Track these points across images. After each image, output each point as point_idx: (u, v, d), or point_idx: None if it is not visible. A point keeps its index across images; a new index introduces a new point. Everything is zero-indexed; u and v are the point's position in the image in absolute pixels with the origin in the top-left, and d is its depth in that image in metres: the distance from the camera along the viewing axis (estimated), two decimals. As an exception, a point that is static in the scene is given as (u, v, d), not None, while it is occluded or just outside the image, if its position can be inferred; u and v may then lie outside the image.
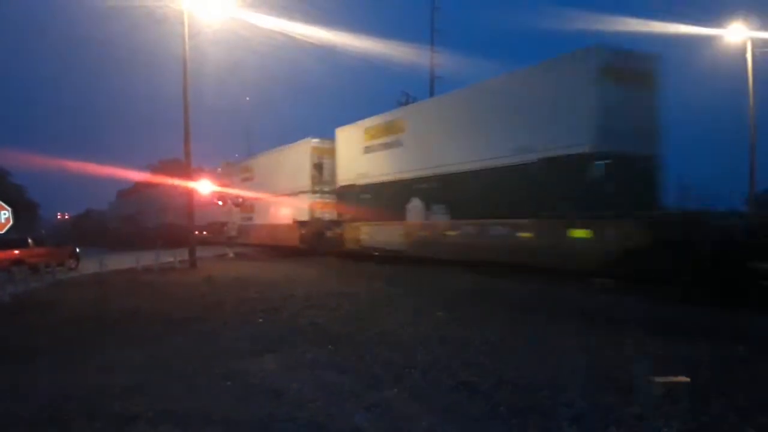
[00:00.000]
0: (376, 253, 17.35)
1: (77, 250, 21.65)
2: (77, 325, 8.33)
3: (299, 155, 21.42)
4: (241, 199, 25.70)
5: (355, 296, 10.01)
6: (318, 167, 20.47)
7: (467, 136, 13.91)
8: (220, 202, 26.71)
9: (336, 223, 19.65)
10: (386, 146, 17.13)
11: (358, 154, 18.42)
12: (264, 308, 9.13)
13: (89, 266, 18.77)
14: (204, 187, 28.03)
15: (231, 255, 23.71)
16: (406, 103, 26.56)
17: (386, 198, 16.82)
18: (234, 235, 26.18)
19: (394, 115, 17.59)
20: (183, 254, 18.91)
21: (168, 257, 18.74)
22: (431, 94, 27.30)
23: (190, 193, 19.88)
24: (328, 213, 20.19)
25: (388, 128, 17.17)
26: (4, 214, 12.85)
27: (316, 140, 20.78)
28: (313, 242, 20.28)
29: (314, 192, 20.28)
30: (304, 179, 20.65)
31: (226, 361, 5.79)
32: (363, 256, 17.90)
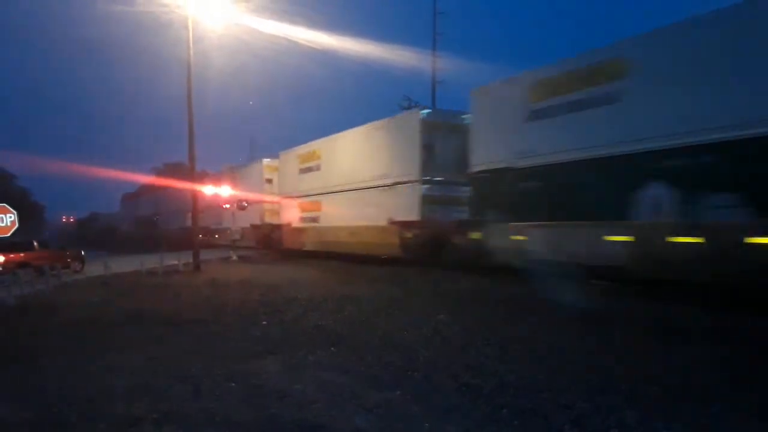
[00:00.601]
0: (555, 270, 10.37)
1: (82, 252, 21.77)
2: (81, 327, 8.37)
3: (400, 133, 16.56)
4: (246, 203, 25.73)
5: (357, 298, 10.03)
6: (428, 148, 15.66)
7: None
8: (227, 205, 26.70)
9: (468, 224, 13.90)
10: (576, 106, 10.84)
11: (517, 123, 12.30)
12: (267, 311, 9.17)
13: (94, 269, 18.86)
14: (222, 190, 28.32)
15: (234, 258, 23.78)
16: (409, 107, 26.59)
17: (583, 185, 10.84)
18: (237, 238, 26.28)
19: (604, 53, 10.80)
20: (187, 257, 18.97)
21: (172, 260, 18.80)
22: (434, 98, 27.39)
23: (195, 196, 19.98)
24: (442, 209, 15.42)
25: (585, 77, 10.77)
26: (10, 217, 12.91)
27: (426, 112, 16.32)
28: (427, 250, 15.36)
29: (425, 182, 15.36)
30: (410, 164, 15.73)
31: (230, 363, 5.83)
32: (364, 258, 17.88)
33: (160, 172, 69.05)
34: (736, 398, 4.43)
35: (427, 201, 15.25)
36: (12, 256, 17.52)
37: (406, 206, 15.85)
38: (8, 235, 13.15)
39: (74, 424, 4.29)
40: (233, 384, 5.11)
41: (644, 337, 6.67)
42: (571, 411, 4.17)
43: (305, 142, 22.54)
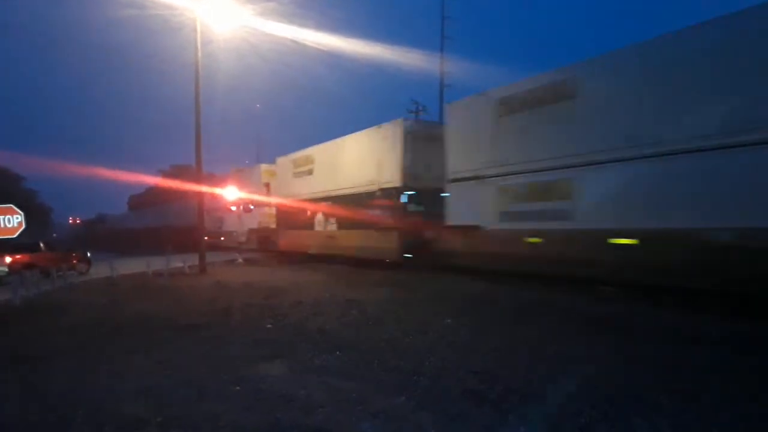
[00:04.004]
0: None
1: (88, 254, 21.87)
2: (87, 329, 8.40)
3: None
4: (252, 206, 25.86)
5: (362, 303, 10.00)
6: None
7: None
8: (234, 208, 26.90)
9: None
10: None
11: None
12: (272, 314, 9.17)
13: (100, 270, 18.95)
14: (228, 192, 28.49)
15: (240, 260, 23.83)
16: (417, 111, 26.62)
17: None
18: (243, 240, 26.42)
19: None
20: (193, 259, 19.03)
21: (178, 262, 18.86)
22: (441, 102, 27.38)
23: (200, 199, 20.04)
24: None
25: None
26: (17, 218, 12.96)
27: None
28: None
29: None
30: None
31: (235, 367, 5.82)
32: (368, 262, 17.87)
33: (166, 174, 69.36)
34: (747, 406, 4.37)
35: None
36: (18, 257, 17.63)
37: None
38: (15, 236, 13.22)
39: (79, 426, 4.29)
40: (238, 388, 5.09)
41: (652, 342, 6.61)
42: (579, 418, 4.13)
43: (311, 144, 22.80)
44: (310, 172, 21.91)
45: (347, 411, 4.44)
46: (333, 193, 19.86)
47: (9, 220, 12.70)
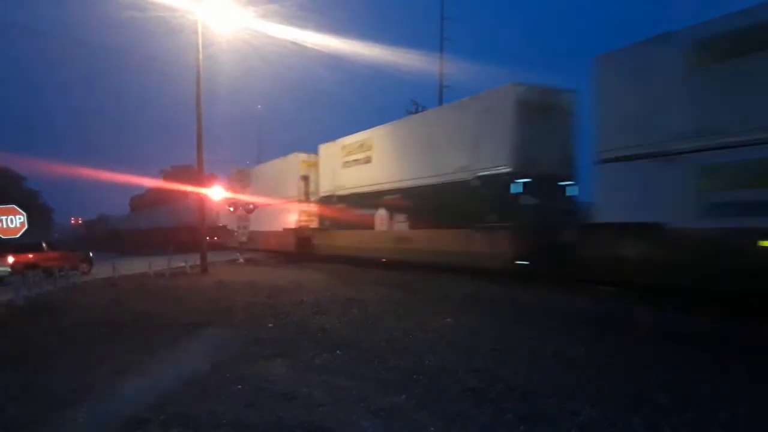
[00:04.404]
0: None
1: (90, 254, 21.94)
2: (89, 329, 8.44)
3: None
4: (252, 206, 25.77)
5: (363, 302, 10.04)
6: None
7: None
8: (231, 208, 26.61)
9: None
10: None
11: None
12: (274, 313, 9.21)
13: (102, 271, 19.00)
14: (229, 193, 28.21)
15: (241, 260, 23.87)
16: (416, 112, 26.64)
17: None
18: (244, 240, 26.17)
19: None
20: (195, 259, 19.07)
21: (179, 262, 18.91)
22: (440, 102, 27.41)
23: (201, 199, 20.10)
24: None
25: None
26: (19, 218, 13.03)
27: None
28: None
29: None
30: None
31: (237, 365, 5.86)
32: (369, 262, 17.91)
33: (168, 175, 69.46)
34: (744, 405, 4.40)
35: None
36: (21, 257, 17.69)
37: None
38: (18, 236, 13.28)
39: (81, 425, 4.33)
40: (240, 386, 5.13)
41: (651, 342, 6.64)
42: (578, 416, 4.17)
43: (312, 144, 22.68)
44: (367, 160, 18.39)
45: (348, 409, 4.48)
46: (403, 184, 16.28)
47: (11, 221, 12.77)
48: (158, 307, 10.44)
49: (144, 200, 74.30)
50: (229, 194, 28.24)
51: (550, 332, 7.32)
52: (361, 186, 18.60)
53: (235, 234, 26.18)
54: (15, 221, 13.03)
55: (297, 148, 23.95)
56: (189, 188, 37.60)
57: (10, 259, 17.37)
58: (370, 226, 17.82)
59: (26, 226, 13.17)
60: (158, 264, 18.14)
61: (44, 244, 19.51)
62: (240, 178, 28.81)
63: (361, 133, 19.12)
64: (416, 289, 11.97)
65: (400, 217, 16.62)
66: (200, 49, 17.66)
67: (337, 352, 6.43)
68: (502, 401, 4.57)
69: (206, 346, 6.93)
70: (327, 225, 21.09)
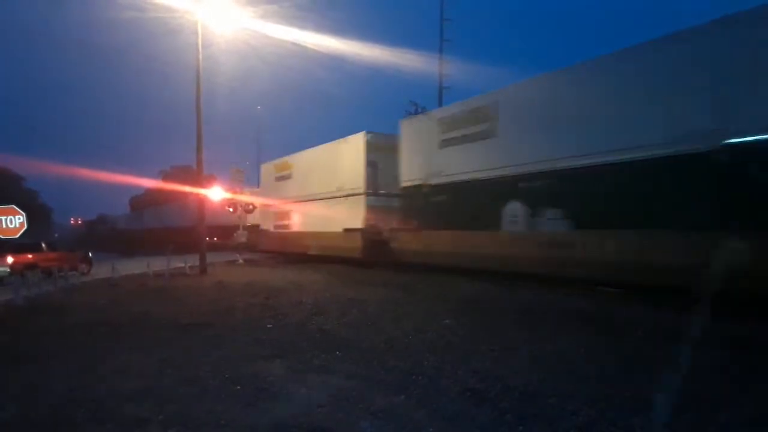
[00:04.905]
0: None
1: (90, 255, 21.94)
2: (89, 329, 8.43)
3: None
4: (252, 206, 25.73)
5: (362, 303, 10.05)
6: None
7: None
8: (231, 209, 26.54)
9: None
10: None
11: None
12: (273, 314, 9.21)
13: (102, 271, 19.00)
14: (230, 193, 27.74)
15: (240, 261, 23.86)
16: (415, 113, 26.63)
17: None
18: (244, 241, 26.12)
19: None
20: (194, 260, 19.07)
21: (179, 263, 18.90)
22: (440, 104, 27.43)
23: (201, 199, 20.11)
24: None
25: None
26: (19, 218, 13.04)
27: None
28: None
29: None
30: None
31: (236, 366, 5.86)
32: (369, 263, 17.87)
33: (167, 175, 69.51)
34: (744, 406, 4.41)
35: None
36: (20, 257, 17.69)
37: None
38: (17, 236, 13.29)
39: (81, 425, 4.33)
40: (239, 387, 5.13)
41: (649, 343, 6.65)
42: (577, 417, 4.17)
43: (312, 145, 22.17)
44: (487, 135, 13.27)
45: (347, 410, 4.48)
46: (562, 164, 11.38)
47: (11, 221, 12.78)
48: (157, 307, 10.44)
49: (143, 200, 74.32)
50: (228, 194, 27.87)
51: (549, 332, 7.32)
52: (476, 171, 13.62)
53: (235, 235, 26.10)
54: (14, 221, 13.04)
55: (297, 148, 23.37)
56: (188, 188, 37.30)
57: (10, 260, 17.37)
58: (493, 225, 12.79)
59: (26, 227, 13.18)
60: (157, 264, 18.13)
61: (43, 245, 19.51)
62: (239, 178, 28.74)
63: (472, 99, 14.08)
64: (416, 290, 11.98)
65: (551, 213, 11.56)
66: (200, 50, 17.67)
67: (337, 352, 6.43)
68: (501, 401, 4.57)
69: (205, 347, 6.92)
70: (414, 224, 15.88)
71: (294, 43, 23.68)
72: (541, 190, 11.88)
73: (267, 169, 26.27)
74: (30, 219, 13.55)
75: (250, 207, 25.55)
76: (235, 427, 4.15)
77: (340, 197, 19.10)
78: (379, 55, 28.19)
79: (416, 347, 6.60)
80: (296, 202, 22.60)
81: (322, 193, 20.36)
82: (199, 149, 18.45)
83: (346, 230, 18.41)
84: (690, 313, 8.35)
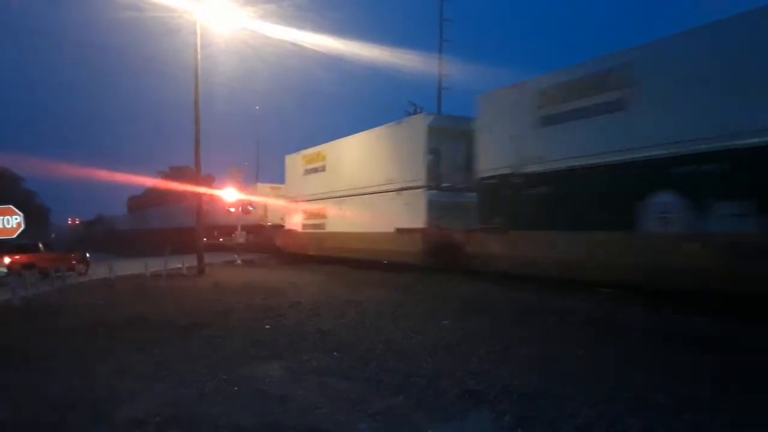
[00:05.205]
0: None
1: (87, 255, 21.87)
2: (86, 330, 8.40)
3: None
4: (252, 206, 25.64)
5: (361, 304, 10.03)
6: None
7: None
8: (232, 209, 26.40)
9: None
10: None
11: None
12: (271, 315, 9.18)
13: (99, 271, 18.94)
14: (229, 193, 26.15)
15: (239, 262, 23.81)
16: (415, 113, 26.60)
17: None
18: (242, 242, 25.94)
19: None
20: (191, 260, 19.03)
21: (177, 263, 18.87)
22: (439, 105, 27.46)
23: (199, 200, 20.07)
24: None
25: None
26: (16, 219, 12.98)
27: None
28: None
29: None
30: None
31: (234, 367, 5.84)
32: (368, 264, 17.82)
33: (165, 175, 69.43)
34: (743, 408, 4.40)
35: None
36: (17, 257, 17.63)
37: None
38: (14, 236, 13.24)
39: (78, 426, 4.30)
40: (237, 388, 5.11)
41: (649, 344, 6.64)
42: (576, 418, 4.16)
43: (311, 146, 21.61)
44: (614, 107, 10.02)
45: (345, 411, 4.46)
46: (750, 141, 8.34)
47: (8, 221, 12.71)
48: (155, 308, 10.41)
49: (141, 201, 74.23)
50: (242, 195, 26.94)
51: (547, 334, 7.32)
52: (597, 154, 10.59)
53: (233, 236, 25.94)
54: (11, 221, 12.98)
55: (297, 148, 22.97)
56: (188, 188, 36.89)
57: (7, 260, 17.30)
58: (624, 225, 9.70)
59: (23, 227, 13.12)
60: (155, 265, 18.09)
61: (41, 245, 19.44)
62: (238, 178, 28.63)
63: (589, 62, 10.97)
64: (415, 291, 11.97)
65: (730, 207, 8.39)
66: (198, 50, 17.64)
67: (335, 353, 6.42)
68: (500, 403, 4.56)
69: (203, 348, 6.89)
70: (499, 224, 12.51)
71: (293, 43, 23.67)
72: (711, 176, 8.71)
73: (293, 161, 23.04)
74: (27, 219, 13.48)
75: (250, 208, 25.47)
76: (233, 429, 4.13)
77: (391, 192, 16.10)
78: (379, 55, 28.20)
79: (415, 348, 6.59)
80: (331, 198, 19.67)
81: (367, 187, 17.39)
82: (197, 149, 18.42)
83: (400, 231, 15.60)
84: (687, 314, 8.37)
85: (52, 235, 64.88)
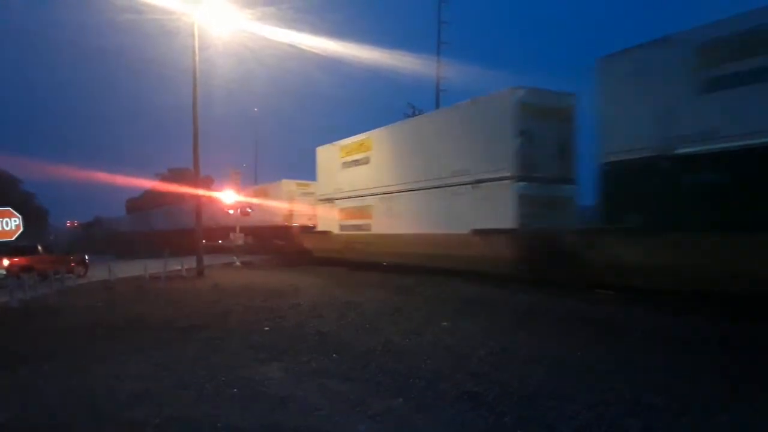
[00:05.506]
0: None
1: (86, 257, 21.85)
2: (85, 332, 8.40)
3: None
4: (250, 208, 25.60)
5: (360, 305, 10.03)
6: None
7: None
8: (231, 211, 26.29)
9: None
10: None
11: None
12: (270, 316, 9.18)
13: (98, 273, 18.92)
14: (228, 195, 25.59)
15: (238, 263, 23.78)
16: (413, 115, 26.59)
17: None
18: (240, 243, 25.82)
19: None
20: (190, 262, 19.02)
21: (176, 265, 18.85)
22: (437, 106, 27.45)
23: (198, 202, 20.08)
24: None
25: None
26: (15, 221, 12.96)
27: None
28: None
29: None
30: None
31: (233, 369, 5.83)
32: (367, 266, 17.81)
33: (164, 178, 69.36)
34: (743, 409, 4.40)
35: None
36: (16, 260, 17.60)
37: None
38: (13, 239, 13.22)
39: (77, 429, 4.30)
40: (236, 390, 5.11)
41: (649, 345, 6.64)
42: (575, 420, 4.16)
43: (311, 146, 20.92)
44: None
45: (345, 413, 4.46)
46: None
47: (7, 223, 12.69)
48: (154, 310, 10.40)
49: (140, 203, 74.11)
50: (241, 197, 26.70)
51: (546, 335, 7.31)
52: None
53: (231, 237, 25.84)
54: (10, 224, 12.96)
55: (296, 148, 23.00)
56: (188, 190, 36.69)
57: (5, 262, 17.28)
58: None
59: (22, 229, 13.11)
60: (154, 267, 18.07)
61: (40, 247, 19.42)
62: (237, 180, 28.48)
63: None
64: (414, 293, 11.96)
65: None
66: (197, 52, 17.66)
67: (334, 355, 6.41)
68: (499, 405, 4.55)
69: (202, 350, 6.89)
70: (635, 220, 9.32)
71: (291, 46, 23.71)
72: None
73: (327, 153, 20.26)
74: (26, 221, 13.46)
75: (248, 210, 25.43)
76: (232, 431, 4.12)
77: (463, 185, 13.34)
78: (377, 57, 28.24)
79: (414, 350, 6.58)
80: (379, 194, 16.78)
81: (428, 180, 14.60)
82: (195, 151, 18.43)
83: (478, 232, 12.72)
84: (687, 315, 8.38)
85: (51, 237, 64.81)
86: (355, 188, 18.22)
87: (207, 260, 19.64)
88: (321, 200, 20.52)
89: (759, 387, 5.02)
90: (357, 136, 18.61)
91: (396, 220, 15.85)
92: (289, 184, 26.25)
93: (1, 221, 12.71)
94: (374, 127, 17.67)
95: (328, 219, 19.87)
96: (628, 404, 4.48)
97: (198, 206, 19.86)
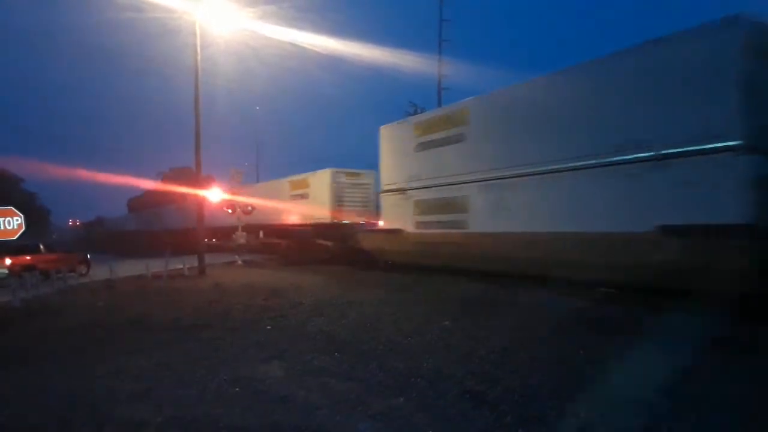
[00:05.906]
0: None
1: (88, 256, 21.90)
2: (86, 331, 8.41)
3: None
4: (250, 207, 25.60)
5: (361, 304, 10.02)
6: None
7: None
8: (230, 210, 26.28)
9: None
10: None
11: None
12: (271, 315, 9.18)
13: (100, 272, 18.95)
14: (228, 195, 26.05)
15: (239, 262, 23.79)
16: (415, 113, 26.54)
17: None
18: (243, 243, 25.79)
19: None
20: (192, 261, 19.03)
21: (177, 264, 18.87)
22: (439, 104, 27.41)
23: (200, 201, 20.08)
24: None
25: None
26: (17, 220, 12.98)
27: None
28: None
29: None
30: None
31: (235, 368, 5.84)
32: (367, 265, 17.79)
33: (166, 177, 69.45)
34: (744, 408, 4.39)
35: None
36: (18, 259, 17.64)
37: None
38: (15, 238, 13.24)
39: (78, 428, 4.30)
40: (238, 389, 5.11)
41: (649, 344, 6.63)
42: (576, 419, 4.15)
43: (311, 145, 20.68)
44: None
45: (346, 412, 4.46)
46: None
47: (9, 222, 12.71)
48: (156, 309, 10.41)
49: (142, 202, 74.20)
50: (226, 195, 27.12)
51: (548, 334, 7.30)
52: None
53: (233, 236, 25.86)
54: (12, 223, 12.98)
55: (296, 148, 22.74)
56: (187, 189, 36.69)
57: (8, 261, 17.32)
58: None
59: (24, 228, 13.13)
60: (156, 266, 18.09)
61: (41, 246, 19.45)
62: (238, 179, 28.44)
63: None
64: (416, 292, 11.95)
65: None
66: (198, 51, 17.65)
67: (335, 354, 6.41)
68: (501, 404, 4.55)
69: (204, 349, 6.90)
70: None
71: (293, 44, 23.70)
72: None
73: (394, 133, 16.08)
74: (28, 220, 13.48)
75: (249, 209, 25.43)
76: (234, 430, 4.13)
77: (640, 162, 9.10)
78: (378, 55, 28.23)
79: (415, 349, 6.58)
80: (482, 180, 12.62)
81: (574, 158, 10.28)
82: (197, 150, 18.42)
83: (669, 230, 8.49)
84: (686, 314, 8.35)
85: (53, 236, 64.95)
86: (440, 174, 14.16)
87: (208, 259, 19.65)
88: (387, 191, 16.43)
89: (763, 386, 5.00)
90: (441, 108, 15.57)
91: (510, 215, 11.96)
92: (336, 174, 21.58)
93: (3, 220, 12.72)
94: (374, 127, 17.12)
95: (398, 214, 15.84)
96: (630, 404, 4.48)
97: (200, 205, 19.87)
